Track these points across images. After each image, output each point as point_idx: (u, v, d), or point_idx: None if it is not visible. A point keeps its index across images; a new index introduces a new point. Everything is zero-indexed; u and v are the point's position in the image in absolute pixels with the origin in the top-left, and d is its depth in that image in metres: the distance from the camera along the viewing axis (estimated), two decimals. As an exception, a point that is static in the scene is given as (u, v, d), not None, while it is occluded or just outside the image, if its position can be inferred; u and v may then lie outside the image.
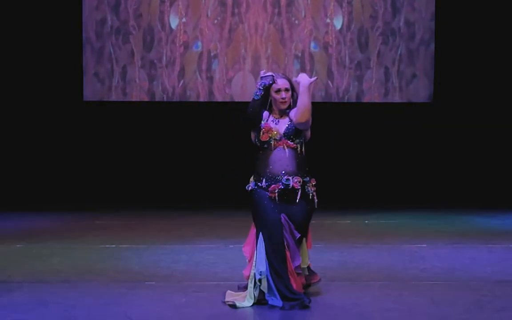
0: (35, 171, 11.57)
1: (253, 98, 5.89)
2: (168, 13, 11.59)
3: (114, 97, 11.61)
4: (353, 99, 11.71)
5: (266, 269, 5.76)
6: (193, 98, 11.61)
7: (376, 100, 11.72)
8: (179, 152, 11.54)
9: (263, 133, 5.84)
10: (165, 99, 11.61)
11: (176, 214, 10.41)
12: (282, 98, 5.88)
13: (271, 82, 5.88)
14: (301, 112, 5.75)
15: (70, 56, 11.52)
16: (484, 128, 11.73)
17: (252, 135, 5.94)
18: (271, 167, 5.80)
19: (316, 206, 6.00)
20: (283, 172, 5.79)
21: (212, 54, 11.61)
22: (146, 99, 11.63)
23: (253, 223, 5.96)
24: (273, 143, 5.83)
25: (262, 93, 5.87)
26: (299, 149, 5.87)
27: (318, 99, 11.65)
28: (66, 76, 11.56)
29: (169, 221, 9.96)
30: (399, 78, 11.70)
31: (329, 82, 11.67)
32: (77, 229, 9.32)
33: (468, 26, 11.62)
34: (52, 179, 11.53)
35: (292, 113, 5.87)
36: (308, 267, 6.08)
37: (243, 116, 5.94)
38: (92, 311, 5.83)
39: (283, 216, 5.79)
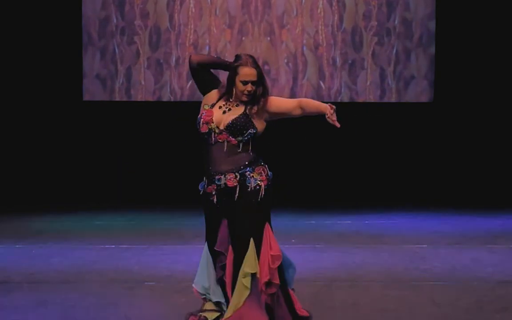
0: (35, 171, 11.55)
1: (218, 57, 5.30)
2: (178, 12, 11.50)
3: (118, 98, 11.56)
4: (350, 101, 11.66)
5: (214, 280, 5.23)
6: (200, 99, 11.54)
7: (372, 101, 11.68)
8: (180, 152, 11.52)
9: (202, 124, 5.13)
10: (172, 100, 11.55)
11: (176, 214, 10.40)
12: (248, 91, 5.10)
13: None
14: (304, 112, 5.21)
15: (72, 57, 11.50)
16: (485, 128, 11.71)
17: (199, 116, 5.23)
18: (208, 165, 5.14)
19: (263, 198, 5.09)
20: (216, 170, 5.09)
21: (221, 54, 11.49)
22: (151, 99, 11.55)
23: None
24: (213, 136, 5.11)
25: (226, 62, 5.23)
26: (241, 146, 5.09)
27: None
28: (68, 77, 11.54)
29: (169, 221, 9.95)
30: (396, 80, 11.63)
31: (321, 82, 11.60)
32: (77, 229, 9.31)
33: (468, 25, 11.59)
34: (51, 179, 11.51)
35: (286, 106, 5.22)
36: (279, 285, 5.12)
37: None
38: (92, 311, 5.82)
39: (224, 221, 5.13)
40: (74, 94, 11.55)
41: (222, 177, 5.09)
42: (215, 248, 5.17)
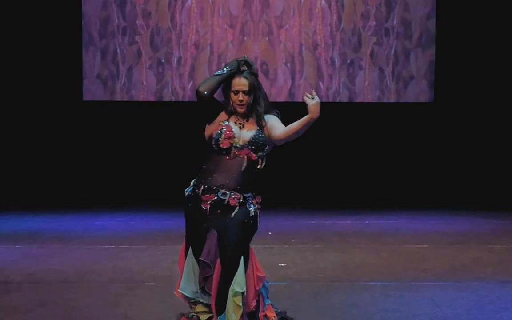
0: (35, 171, 11.55)
1: (214, 75, 5.23)
2: (179, 12, 11.48)
3: (119, 99, 11.54)
4: (349, 101, 11.65)
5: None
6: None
7: (371, 101, 11.66)
8: (179, 152, 11.52)
9: (224, 139, 5.14)
10: (173, 100, 11.53)
11: (176, 214, 10.38)
12: (240, 101, 5.17)
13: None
14: (290, 136, 5.12)
15: (72, 57, 11.49)
16: (484, 128, 11.71)
17: (207, 132, 5.26)
18: (215, 175, 5.15)
19: (257, 227, 5.21)
20: (224, 183, 5.12)
21: (223, 54, 11.45)
22: (153, 100, 11.53)
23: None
24: (233, 151, 5.15)
25: (228, 73, 5.19)
26: (260, 162, 5.18)
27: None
28: (68, 77, 11.53)
29: (169, 221, 9.94)
30: (395, 80, 11.61)
31: (319, 82, 11.59)
32: (77, 230, 9.31)
33: (468, 25, 11.59)
34: (51, 179, 11.51)
35: (273, 125, 5.19)
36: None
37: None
38: (92, 311, 5.82)
39: (213, 232, 5.13)
40: (74, 94, 11.54)
41: (228, 193, 5.13)
42: (201, 258, 5.16)
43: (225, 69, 5.25)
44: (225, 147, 5.16)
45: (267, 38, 11.51)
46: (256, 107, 5.25)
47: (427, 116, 11.69)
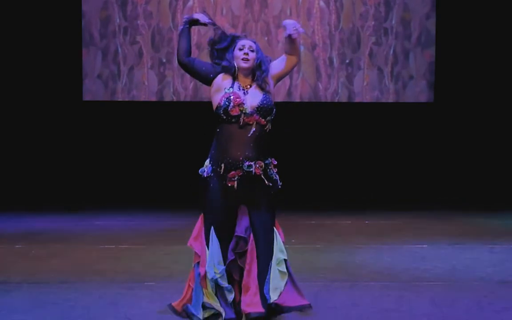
0: (35, 171, 11.55)
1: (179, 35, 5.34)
2: (180, 12, 11.47)
3: (120, 99, 11.54)
4: (348, 101, 11.64)
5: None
6: (204, 99, 11.51)
7: (370, 101, 11.66)
8: (180, 153, 11.52)
9: (233, 106, 5.13)
10: (174, 100, 11.53)
11: (176, 214, 10.39)
12: (245, 54, 5.21)
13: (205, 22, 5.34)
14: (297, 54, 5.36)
15: (72, 57, 11.49)
16: (484, 128, 11.71)
17: (214, 101, 5.24)
18: (230, 149, 5.12)
19: (279, 186, 5.27)
20: (245, 155, 5.12)
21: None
22: (154, 100, 11.53)
23: (201, 215, 5.39)
24: (242, 118, 5.15)
25: (186, 26, 5.29)
26: (268, 127, 5.23)
27: (305, 99, 11.62)
28: (68, 77, 11.53)
29: (169, 221, 9.94)
30: (394, 80, 11.61)
31: (318, 83, 11.58)
32: (77, 230, 9.31)
33: (468, 24, 11.59)
34: (52, 180, 11.51)
35: (276, 67, 5.38)
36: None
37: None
38: (92, 311, 5.81)
39: (243, 208, 5.19)
40: (74, 94, 11.55)
41: (253, 163, 5.15)
42: (237, 234, 5.17)
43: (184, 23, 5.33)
44: (235, 114, 5.15)
45: (266, 38, 11.51)
46: (260, 69, 5.28)
47: (426, 116, 11.69)
